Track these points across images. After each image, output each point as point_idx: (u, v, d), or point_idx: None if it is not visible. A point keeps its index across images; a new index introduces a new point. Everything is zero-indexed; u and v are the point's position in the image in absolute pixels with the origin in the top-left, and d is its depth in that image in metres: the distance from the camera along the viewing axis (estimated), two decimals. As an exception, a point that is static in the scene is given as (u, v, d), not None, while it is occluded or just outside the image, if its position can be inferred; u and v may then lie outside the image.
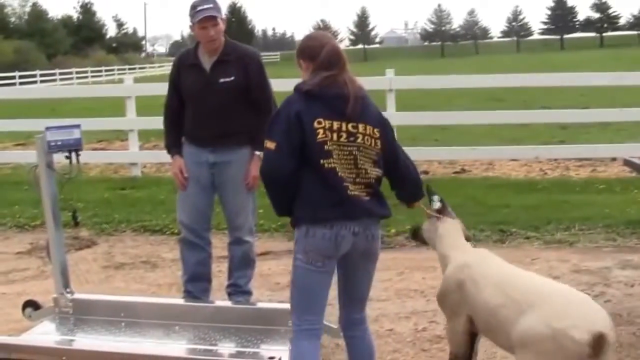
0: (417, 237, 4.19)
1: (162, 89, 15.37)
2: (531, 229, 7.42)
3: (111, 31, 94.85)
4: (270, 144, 3.39)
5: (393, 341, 4.82)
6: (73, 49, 71.63)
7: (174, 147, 5.14)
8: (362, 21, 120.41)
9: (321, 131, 3.37)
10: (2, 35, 59.30)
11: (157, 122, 12.46)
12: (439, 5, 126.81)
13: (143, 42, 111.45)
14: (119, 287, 6.21)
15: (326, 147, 3.37)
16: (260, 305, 4.95)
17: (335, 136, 3.38)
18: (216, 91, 4.90)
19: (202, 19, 4.76)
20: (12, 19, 76.96)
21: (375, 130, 3.48)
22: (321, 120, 3.38)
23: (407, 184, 3.72)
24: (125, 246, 7.53)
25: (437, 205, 3.92)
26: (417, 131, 13.35)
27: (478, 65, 46.21)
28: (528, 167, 11.16)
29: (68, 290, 4.96)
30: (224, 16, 4.93)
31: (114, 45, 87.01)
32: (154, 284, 6.31)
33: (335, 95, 3.43)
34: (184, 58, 5.10)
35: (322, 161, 3.36)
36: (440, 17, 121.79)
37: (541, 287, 3.43)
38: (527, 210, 8.13)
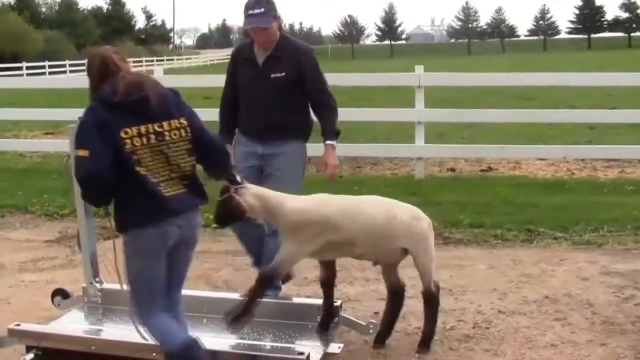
0: (228, 219, 4.17)
1: (191, 81, 15.49)
2: (559, 229, 7.36)
3: (140, 23, 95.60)
4: (82, 152, 3.39)
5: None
6: (102, 39, 72.01)
7: (224, 136, 5.26)
8: (389, 17, 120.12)
9: (129, 141, 3.45)
10: (33, 25, 59.77)
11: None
12: (467, 3, 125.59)
13: (171, 35, 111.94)
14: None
15: (135, 155, 3.45)
16: (288, 300, 4.94)
17: (144, 140, 3.48)
18: (267, 86, 5.01)
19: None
20: (43, 9, 77.71)
21: (181, 120, 3.60)
22: (127, 130, 3.45)
23: (220, 158, 3.86)
24: (153, 237, 7.54)
25: (239, 178, 4.04)
26: (444, 128, 13.31)
27: (505, 64, 45.96)
28: (555, 167, 11.06)
29: (97, 279, 5.00)
30: (277, 14, 4.96)
31: (143, 36, 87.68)
32: (181, 275, 6.31)
33: (137, 100, 3.49)
34: (240, 51, 5.23)
35: (136, 169, 3.46)
36: (468, 14, 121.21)
37: (396, 202, 4.51)
38: (554, 210, 8.07)
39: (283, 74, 4.97)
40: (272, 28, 4.93)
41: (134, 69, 3.99)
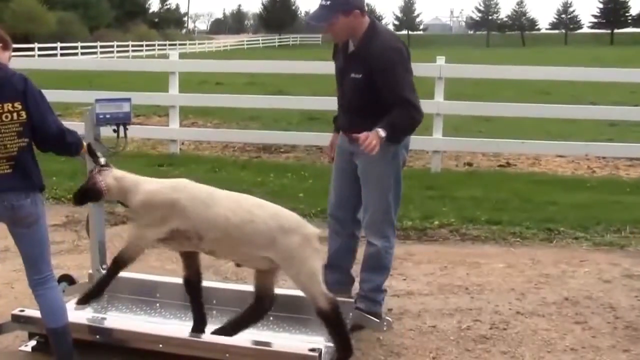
0: (85, 198, 4.25)
1: (206, 66, 15.21)
2: (580, 229, 7.16)
3: (154, 6, 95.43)
4: None
5: (436, 338, 4.64)
6: (115, 22, 71.93)
7: (335, 123, 5.04)
8: (408, 7, 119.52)
9: None
10: (46, 6, 59.62)
11: (198, 100, 12.52)
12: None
13: (185, 19, 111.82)
14: (154, 266, 6.09)
15: None
16: (300, 294, 4.78)
17: None
18: (347, 84, 4.62)
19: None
20: (57, -10, 77.54)
21: (15, 104, 3.71)
22: None
23: (57, 145, 3.94)
24: (162, 224, 7.40)
25: (102, 161, 4.18)
26: (460, 121, 13.02)
27: (525, 57, 45.39)
28: (575, 164, 10.86)
29: (104, 266, 4.88)
30: (349, 8, 4.40)
31: (156, 20, 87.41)
32: (189, 264, 6.16)
33: None
34: None
35: None
36: (489, 5, 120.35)
37: (268, 205, 4.14)
38: (575, 209, 7.86)
39: (360, 75, 4.48)
40: (338, 24, 4.43)
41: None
